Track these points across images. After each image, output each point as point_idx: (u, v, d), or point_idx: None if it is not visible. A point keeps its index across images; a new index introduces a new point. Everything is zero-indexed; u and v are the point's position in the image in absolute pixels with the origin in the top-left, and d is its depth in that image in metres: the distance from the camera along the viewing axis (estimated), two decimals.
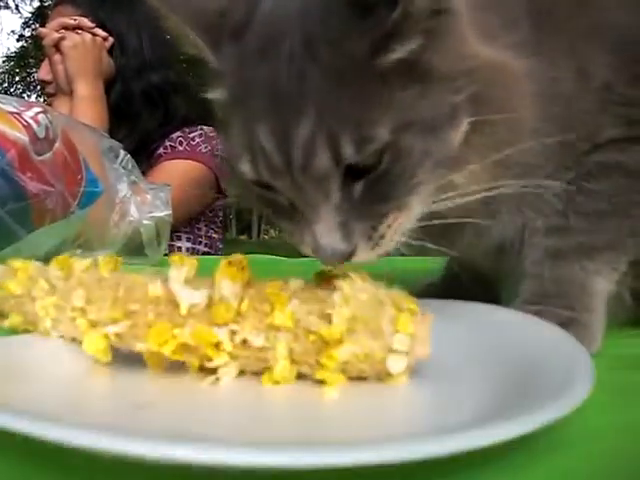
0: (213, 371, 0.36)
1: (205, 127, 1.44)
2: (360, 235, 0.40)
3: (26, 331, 0.42)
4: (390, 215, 0.40)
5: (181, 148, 1.41)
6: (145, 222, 0.89)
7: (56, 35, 1.33)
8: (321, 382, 0.35)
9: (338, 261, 0.40)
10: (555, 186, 0.47)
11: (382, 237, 0.40)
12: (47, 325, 0.40)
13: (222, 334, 0.35)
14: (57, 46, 1.34)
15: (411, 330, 0.35)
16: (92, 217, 0.80)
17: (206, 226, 1.48)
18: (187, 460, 0.22)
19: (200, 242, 1.47)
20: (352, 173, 0.38)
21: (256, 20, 0.40)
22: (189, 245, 1.44)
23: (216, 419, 0.32)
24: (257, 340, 0.35)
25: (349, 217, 0.39)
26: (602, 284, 0.48)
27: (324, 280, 0.38)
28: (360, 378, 0.36)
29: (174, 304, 0.36)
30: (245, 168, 0.40)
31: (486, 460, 0.26)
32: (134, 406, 0.32)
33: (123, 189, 0.89)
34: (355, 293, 0.35)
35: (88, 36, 1.35)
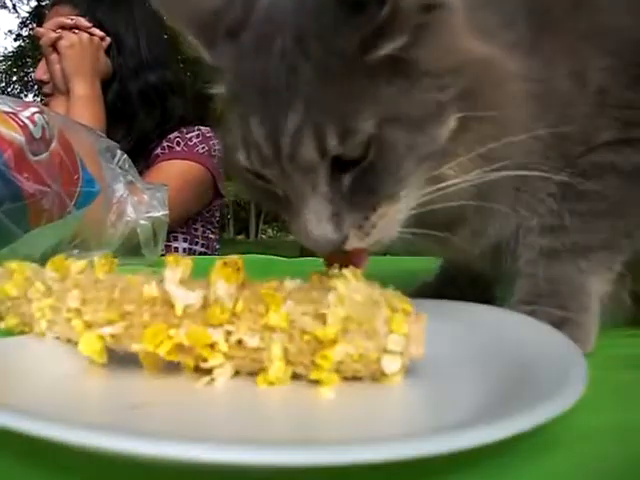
0: (208, 372, 0.36)
1: (202, 127, 1.44)
2: (351, 225, 0.41)
3: (22, 333, 0.42)
4: (381, 206, 0.41)
5: (178, 148, 1.41)
6: (142, 222, 0.89)
7: (53, 35, 1.33)
8: (316, 382, 0.35)
9: (331, 249, 0.41)
10: (541, 178, 0.47)
11: (374, 226, 0.41)
12: (43, 326, 0.40)
13: (217, 335, 0.35)
14: (54, 46, 1.33)
15: (405, 330, 0.35)
16: (89, 217, 0.80)
17: (203, 226, 1.48)
18: (183, 459, 0.22)
19: (197, 242, 1.47)
20: (340, 165, 0.40)
21: (252, 18, 0.42)
22: (186, 245, 1.44)
23: (211, 419, 0.32)
24: (252, 341, 0.35)
25: (340, 208, 0.41)
26: (597, 284, 0.49)
27: (319, 280, 0.39)
28: (355, 378, 0.36)
29: (169, 305, 0.36)
30: (241, 157, 0.42)
31: (479, 460, 0.26)
32: (130, 406, 0.32)
33: (120, 189, 0.89)
34: (349, 293, 0.35)
35: (85, 36, 1.34)
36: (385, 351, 0.35)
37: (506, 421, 0.25)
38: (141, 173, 1.10)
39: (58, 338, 0.40)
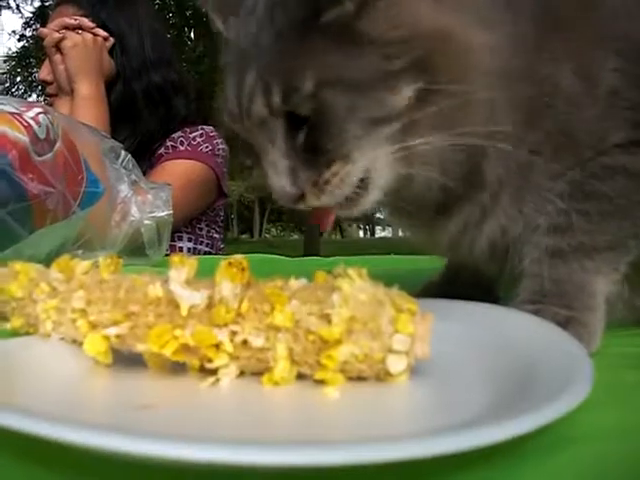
0: (213, 372, 0.36)
1: (206, 127, 1.44)
2: (306, 180, 0.44)
3: (27, 333, 0.42)
4: (334, 164, 0.44)
5: (182, 148, 1.41)
6: (146, 222, 0.89)
7: (57, 35, 1.33)
8: (321, 382, 0.35)
9: (291, 204, 0.45)
10: (549, 177, 0.48)
11: (327, 183, 0.44)
12: (48, 327, 0.40)
13: (222, 335, 0.35)
14: (58, 46, 1.34)
15: (411, 330, 0.35)
16: (93, 217, 0.80)
17: (207, 226, 1.48)
18: (188, 459, 0.22)
19: (201, 242, 1.47)
20: (295, 122, 0.44)
21: None
22: (190, 245, 1.45)
23: (216, 420, 0.32)
24: (257, 341, 0.35)
25: (296, 163, 0.44)
26: (602, 283, 0.49)
27: (324, 280, 0.39)
28: (360, 378, 0.36)
29: (174, 305, 0.36)
30: (224, 115, 0.48)
31: (484, 459, 0.26)
32: (135, 407, 0.32)
33: (124, 189, 0.89)
34: (354, 293, 0.35)
35: (89, 36, 1.35)
36: (390, 351, 0.35)
37: (512, 421, 0.25)
38: (145, 173, 1.11)
39: (63, 339, 0.40)
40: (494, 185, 0.48)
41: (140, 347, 0.36)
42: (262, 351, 0.35)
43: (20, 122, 0.69)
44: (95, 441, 0.23)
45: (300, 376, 0.36)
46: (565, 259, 0.48)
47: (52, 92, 1.40)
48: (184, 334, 0.35)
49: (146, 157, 1.38)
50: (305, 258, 1.19)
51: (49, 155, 0.72)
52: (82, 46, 1.33)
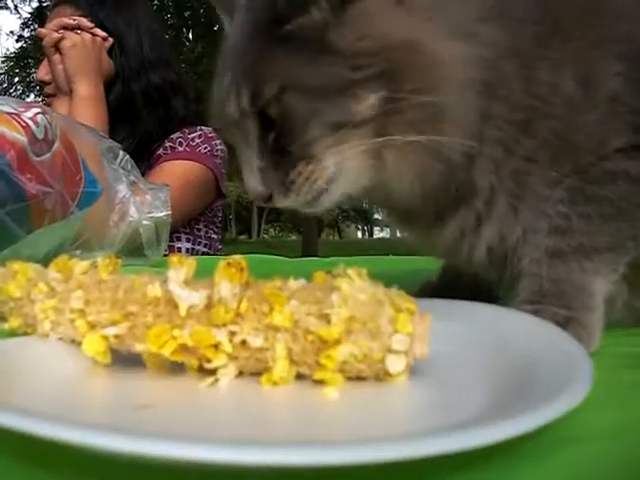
0: (212, 372, 0.36)
1: (204, 127, 1.44)
2: (274, 181, 0.46)
3: (26, 333, 0.42)
4: (299, 165, 0.45)
5: (181, 149, 1.41)
6: (144, 222, 0.89)
7: (55, 35, 1.33)
8: (320, 382, 0.35)
9: (262, 202, 0.47)
10: (547, 185, 0.48)
11: (292, 183, 0.45)
12: (46, 327, 0.40)
13: (221, 335, 0.35)
14: (57, 46, 1.33)
15: (410, 330, 0.35)
16: (91, 218, 0.80)
17: (205, 226, 1.48)
18: (187, 459, 0.22)
19: (199, 242, 1.47)
20: (267, 124, 0.45)
21: None
22: (188, 245, 1.44)
23: (215, 420, 0.32)
24: (256, 341, 0.35)
25: (267, 163, 0.46)
26: (601, 284, 0.49)
27: (323, 280, 0.39)
28: (359, 378, 0.36)
29: (173, 305, 0.36)
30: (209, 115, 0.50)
31: (483, 459, 0.26)
32: (134, 407, 0.32)
33: (122, 189, 0.89)
34: (353, 293, 0.35)
35: (87, 36, 1.34)
36: (389, 351, 0.35)
37: (511, 421, 0.25)
38: (143, 173, 1.10)
39: (62, 339, 0.40)
40: (486, 192, 0.49)
41: (139, 347, 0.36)
42: (261, 351, 0.35)
43: (18, 122, 0.69)
44: (94, 441, 0.23)
45: (299, 376, 0.36)
46: (564, 259, 0.48)
47: (50, 92, 1.40)
48: (183, 334, 0.35)
49: (145, 158, 1.38)
50: (303, 259, 1.19)
51: (47, 155, 0.72)
52: (81, 46, 1.33)
